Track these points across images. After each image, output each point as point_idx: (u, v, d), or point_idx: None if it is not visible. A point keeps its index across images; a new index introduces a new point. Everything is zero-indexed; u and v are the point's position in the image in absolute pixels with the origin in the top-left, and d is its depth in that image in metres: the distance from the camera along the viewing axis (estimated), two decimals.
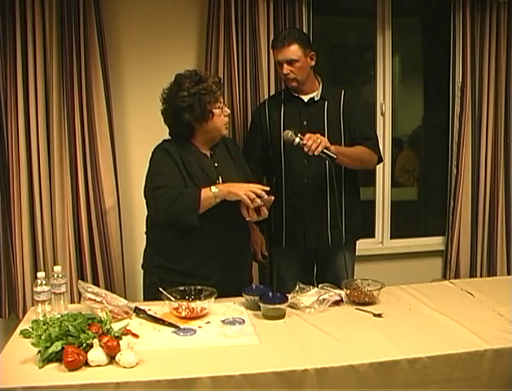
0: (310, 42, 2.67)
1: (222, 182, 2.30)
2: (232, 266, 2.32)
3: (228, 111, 2.38)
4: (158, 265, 2.35)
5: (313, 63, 2.64)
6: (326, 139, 2.40)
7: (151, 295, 2.28)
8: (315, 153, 2.36)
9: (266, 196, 2.17)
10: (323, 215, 2.66)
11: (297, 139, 2.41)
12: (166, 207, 2.20)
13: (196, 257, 2.27)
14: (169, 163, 2.28)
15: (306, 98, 2.67)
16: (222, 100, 2.35)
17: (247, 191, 2.15)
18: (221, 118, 2.34)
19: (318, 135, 2.39)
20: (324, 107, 2.64)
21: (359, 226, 2.81)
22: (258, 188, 2.17)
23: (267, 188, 2.19)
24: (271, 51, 2.75)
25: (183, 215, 2.18)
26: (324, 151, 2.38)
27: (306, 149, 2.37)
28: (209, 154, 2.38)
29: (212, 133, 2.35)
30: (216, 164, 2.37)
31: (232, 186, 2.20)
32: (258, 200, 2.15)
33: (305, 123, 2.62)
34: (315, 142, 2.35)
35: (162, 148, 2.35)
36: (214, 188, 2.18)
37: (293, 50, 2.55)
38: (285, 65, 2.58)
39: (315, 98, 2.66)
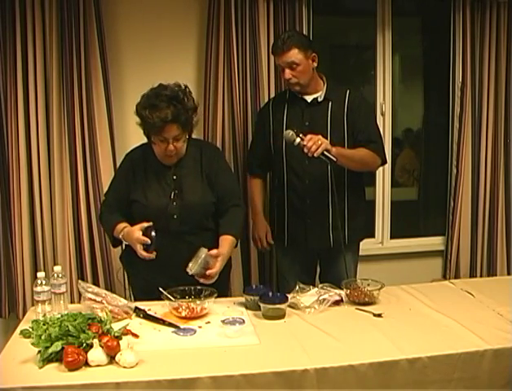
0: (310, 44, 2.64)
1: (179, 195, 2.27)
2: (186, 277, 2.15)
3: (171, 148, 2.20)
4: (122, 256, 2.49)
5: (315, 64, 2.61)
6: (327, 141, 2.39)
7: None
8: (315, 155, 2.35)
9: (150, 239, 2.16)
10: (324, 216, 2.65)
11: (298, 140, 2.39)
12: (99, 217, 2.52)
13: (146, 264, 2.22)
14: (122, 177, 2.36)
15: (309, 98, 2.64)
16: (170, 138, 2.18)
17: (137, 250, 2.17)
18: (161, 150, 2.23)
19: (319, 137, 2.38)
20: (328, 108, 2.62)
21: (362, 227, 2.79)
22: (139, 241, 2.16)
23: (148, 241, 2.15)
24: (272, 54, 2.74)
25: (106, 232, 2.55)
26: (324, 153, 2.36)
27: (305, 150, 2.36)
28: (172, 165, 2.31)
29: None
30: (175, 177, 2.30)
31: (129, 241, 2.23)
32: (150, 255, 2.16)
33: (307, 123, 2.60)
34: (315, 144, 2.34)
35: (129, 157, 2.41)
36: (121, 234, 2.25)
37: (293, 55, 2.52)
38: (287, 70, 2.55)
39: (319, 99, 2.63)
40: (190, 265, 2.10)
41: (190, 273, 2.10)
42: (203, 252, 2.11)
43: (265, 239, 2.81)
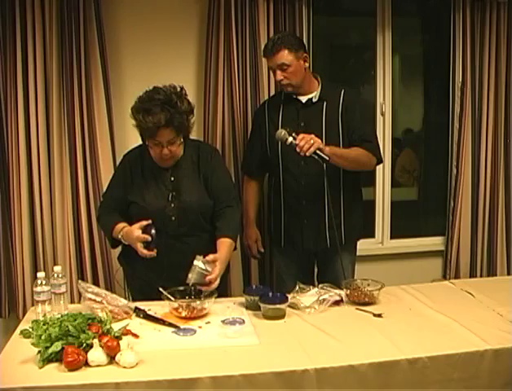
0: (301, 44, 2.62)
1: (177, 197, 2.26)
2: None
3: (166, 152, 2.19)
4: (120, 256, 2.46)
5: (307, 64, 2.60)
6: (320, 140, 2.38)
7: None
8: (307, 154, 2.34)
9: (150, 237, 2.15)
10: (320, 217, 2.64)
11: (290, 139, 2.38)
12: (97, 218, 2.56)
13: (144, 265, 2.24)
14: (120, 178, 2.36)
15: (303, 99, 2.63)
16: (165, 142, 2.17)
17: (137, 249, 2.16)
18: (156, 153, 2.23)
19: (312, 136, 2.37)
20: (323, 109, 2.61)
21: (358, 226, 2.79)
22: (139, 239, 2.15)
23: (148, 238, 2.15)
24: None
25: (104, 233, 2.56)
26: (317, 152, 2.35)
27: (298, 149, 2.35)
28: (169, 167, 2.30)
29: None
30: (172, 179, 2.30)
31: (128, 240, 2.21)
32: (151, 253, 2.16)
33: (302, 124, 2.59)
34: (307, 143, 2.33)
35: (127, 158, 2.40)
36: (120, 234, 2.23)
37: (283, 56, 2.51)
38: (278, 72, 2.54)
39: (314, 100, 2.62)
40: (189, 276, 2.07)
41: (190, 283, 2.08)
42: (199, 259, 2.09)
43: (255, 247, 2.82)
